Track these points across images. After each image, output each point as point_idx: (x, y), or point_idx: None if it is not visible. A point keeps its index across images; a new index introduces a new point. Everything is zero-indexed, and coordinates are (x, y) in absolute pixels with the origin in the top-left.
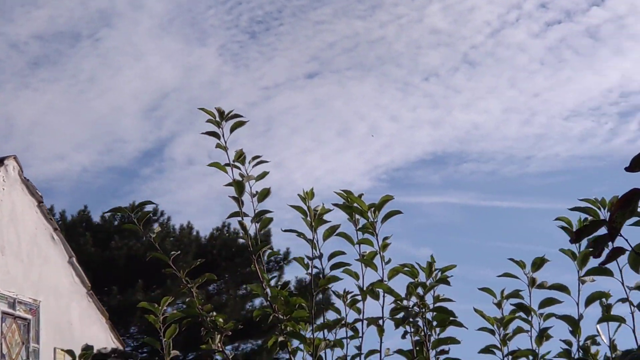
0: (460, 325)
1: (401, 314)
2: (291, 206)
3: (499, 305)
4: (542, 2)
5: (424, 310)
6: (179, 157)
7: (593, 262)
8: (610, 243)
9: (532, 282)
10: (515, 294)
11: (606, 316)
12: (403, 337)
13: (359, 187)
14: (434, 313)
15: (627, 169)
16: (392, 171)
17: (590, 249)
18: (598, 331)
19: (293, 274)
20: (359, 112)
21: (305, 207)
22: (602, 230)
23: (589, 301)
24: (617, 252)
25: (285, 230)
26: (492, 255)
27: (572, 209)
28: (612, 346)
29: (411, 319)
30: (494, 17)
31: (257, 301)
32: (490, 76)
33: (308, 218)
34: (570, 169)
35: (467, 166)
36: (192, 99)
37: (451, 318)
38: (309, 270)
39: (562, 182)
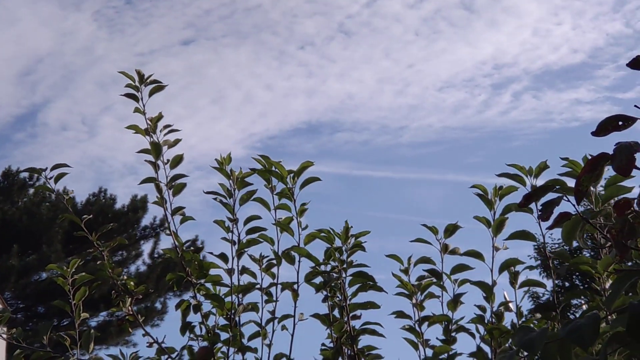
0: (380, 289)
1: (319, 279)
2: (215, 168)
3: (405, 271)
4: None
5: (344, 275)
6: (52, 122)
7: (509, 230)
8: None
9: (444, 249)
10: (426, 259)
11: (527, 281)
12: (324, 301)
13: (233, 155)
14: (352, 278)
15: (594, 134)
16: (267, 139)
17: (506, 216)
18: (505, 298)
19: (170, 240)
20: (234, 80)
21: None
22: (550, 196)
23: (503, 268)
24: (564, 216)
25: (207, 193)
26: (370, 224)
27: (500, 175)
28: (519, 313)
29: (332, 284)
30: None
31: (132, 267)
32: (365, 46)
33: (230, 181)
34: (443, 139)
35: (341, 135)
36: (67, 65)
37: (371, 283)
38: (229, 235)
39: (434, 152)
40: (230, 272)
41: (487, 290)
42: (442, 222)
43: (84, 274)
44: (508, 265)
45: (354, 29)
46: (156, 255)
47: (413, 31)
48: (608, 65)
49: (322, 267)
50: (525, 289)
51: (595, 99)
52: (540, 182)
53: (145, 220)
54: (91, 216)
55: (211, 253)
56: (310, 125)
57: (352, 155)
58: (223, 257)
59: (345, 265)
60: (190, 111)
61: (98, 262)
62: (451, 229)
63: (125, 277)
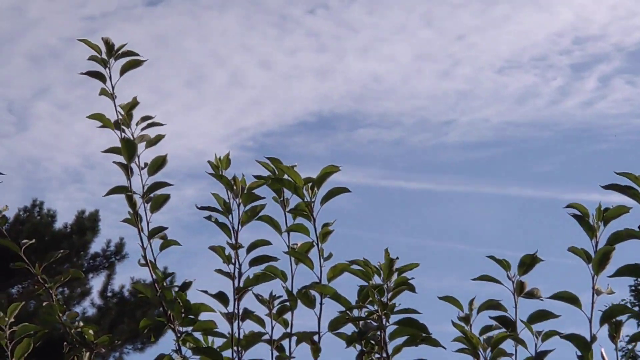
0: (436, 343)
1: (349, 328)
2: (211, 174)
3: (466, 320)
4: None
5: (386, 323)
6: None
7: (614, 265)
8: None
9: (519, 289)
10: (495, 304)
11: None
12: (358, 358)
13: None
14: (396, 327)
15: None
16: (262, 137)
17: (613, 247)
18: (603, 357)
19: (128, 273)
20: (218, 54)
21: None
22: None
23: (607, 317)
24: None
25: (202, 208)
26: (404, 254)
27: (607, 187)
28: None
29: (370, 335)
30: None
31: (77, 309)
32: (398, 10)
33: (230, 193)
34: (504, 139)
35: (363, 132)
36: None
37: (423, 334)
38: (232, 266)
39: (492, 156)
40: (231, 317)
41: (584, 346)
42: (503, 253)
43: (26, 324)
44: (614, 313)
45: None
46: (110, 294)
47: None
48: None
49: (355, 313)
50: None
51: None
52: None
53: (96, 246)
54: (33, 241)
55: (206, 292)
56: (321, 118)
57: (379, 159)
58: (222, 297)
59: (387, 310)
60: (156, 97)
61: (44, 304)
62: (528, 262)
63: (81, 324)
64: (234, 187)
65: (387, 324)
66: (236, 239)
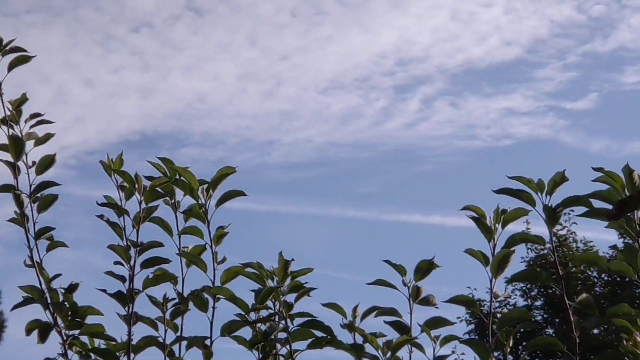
0: (341, 346)
1: (247, 332)
2: (114, 171)
3: (349, 327)
4: None
5: (290, 323)
6: None
7: (512, 268)
8: None
9: (415, 294)
10: (392, 310)
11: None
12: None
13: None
14: (299, 328)
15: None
16: (85, 155)
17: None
18: None
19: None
20: (42, 71)
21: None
22: None
23: (505, 321)
24: None
25: (102, 204)
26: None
27: (499, 191)
28: None
29: (275, 335)
30: None
31: None
32: (222, 30)
33: (122, 193)
34: (327, 160)
35: (187, 151)
36: None
37: (329, 336)
38: (129, 266)
39: (314, 177)
40: (129, 319)
41: (484, 352)
42: (326, 273)
43: None
44: (512, 318)
45: (208, 5)
46: None
47: (289, 10)
48: (552, 63)
49: (252, 315)
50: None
51: (534, 109)
52: (556, 200)
53: None
54: None
55: (104, 291)
56: (144, 137)
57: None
58: (120, 297)
59: (291, 311)
60: None
61: None
62: (425, 268)
63: None
64: (136, 185)
65: (292, 326)
66: (124, 239)
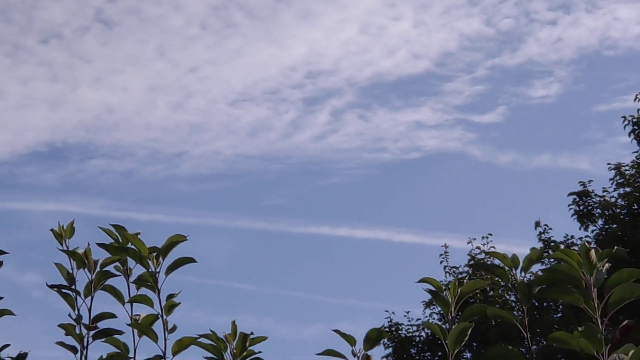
0: None
1: None
2: (64, 251)
3: None
4: None
5: None
6: None
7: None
8: None
9: None
10: None
11: None
12: None
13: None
14: None
15: None
16: None
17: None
18: None
19: None
20: None
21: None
22: None
23: None
24: None
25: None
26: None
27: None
28: None
29: None
30: None
31: None
32: (132, 41)
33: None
34: (235, 172)
35: (95, 163)
36: None
37: None
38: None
39: (223, 189)
40: None
41: None
42: (232, 285)
43: None
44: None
45: (117, 17)
46: None
47: (198, 23)
48: (461, 76)
49: None
50: None
51: (442, 122)
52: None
53: None
54: None
55: None
56: (53, 148)
57: (109, 190)
58: None
59: None
60: None
61: None
62: (374, 337)
63: None
64: (87, 263)
65: None
66: (88, 308)
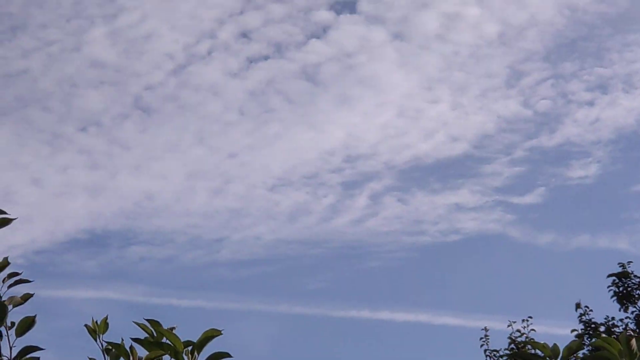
0: None
1: None
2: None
3: None
4: (242, 30)
5: None
6: None
7: None
8: None
9: None
10: None
11: None
12: None
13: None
14: None
15: None
16: (33, 255)
17: None
18: None
19: None
20: None
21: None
22: None
23: None
24: None
25: None
26: None
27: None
28: None
29: None
30: (178, 49)
31: None
32: (171, 128)
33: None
34: (276, 256)
35: (135, 250)
36: None
37: None
38: None
39: (263, 274)
40: None
41: None
42: None
43: None
44: None
45: (156, 104)
46: None
47: (237, 109)
48: (500, 158)
49: None
50: None
51: (482, 204)
52: None
53: None
54: None
55: None
56: (93, 236)
57: (150, 276)
58: None
59: None
60: None
61: None
62: None
63: None
64: (131, 357)
65: None
66: None
